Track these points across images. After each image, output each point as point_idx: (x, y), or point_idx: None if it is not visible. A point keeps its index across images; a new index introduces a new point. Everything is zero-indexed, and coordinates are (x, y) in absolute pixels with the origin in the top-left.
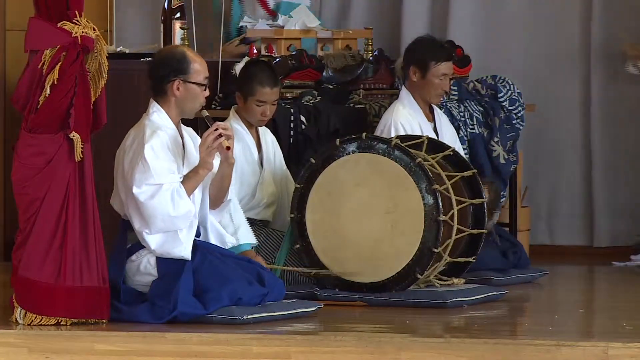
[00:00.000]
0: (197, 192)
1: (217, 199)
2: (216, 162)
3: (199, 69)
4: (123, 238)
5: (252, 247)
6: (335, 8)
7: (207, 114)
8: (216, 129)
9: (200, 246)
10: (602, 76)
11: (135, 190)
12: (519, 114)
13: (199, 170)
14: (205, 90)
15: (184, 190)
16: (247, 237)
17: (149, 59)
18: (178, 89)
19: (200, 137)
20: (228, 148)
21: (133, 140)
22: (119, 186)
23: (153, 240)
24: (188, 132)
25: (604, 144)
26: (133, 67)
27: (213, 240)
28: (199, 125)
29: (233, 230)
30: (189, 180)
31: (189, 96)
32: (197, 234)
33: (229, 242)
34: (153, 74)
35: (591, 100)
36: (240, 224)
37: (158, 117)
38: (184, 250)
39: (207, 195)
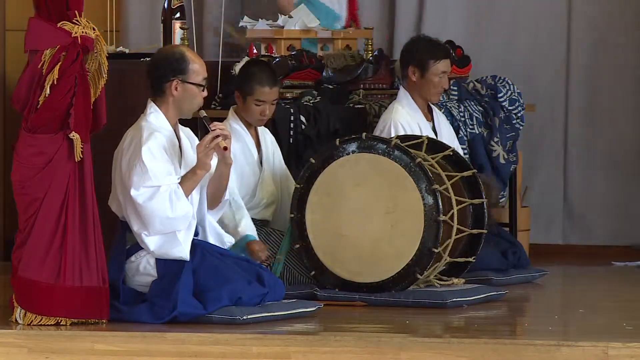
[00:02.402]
0: (195, 193)
1: (215, 199)
2: (214, 162)
3: (197, 69)
4: (122, 238)
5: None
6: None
7: (205, 114)
8: (213, 130)
9: (200, 246)
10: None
11: (133, 192)
12: (519, 114)
13: (196, 171)
14: (203, 90)
15: (181, 191)
16: (250, 229)
17: (149, 59)
18: (176, 89)
19: (198, 138)
20: (225, 148)
21: (130, 141)
22: (117, 188)
23: (152, 241)
24: (185, 132)
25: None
26: (133, 67)
27: (212, 240)
28: (197, 125)
29: (235, 225)
30: (187, 181)
31: (187, 96)
32: (196, 234)
33: (228, 241)
34: (152, 73)
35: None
36: (243, 217)
37: (155, 119)
38: (183, 251)
39: (205, 195)
